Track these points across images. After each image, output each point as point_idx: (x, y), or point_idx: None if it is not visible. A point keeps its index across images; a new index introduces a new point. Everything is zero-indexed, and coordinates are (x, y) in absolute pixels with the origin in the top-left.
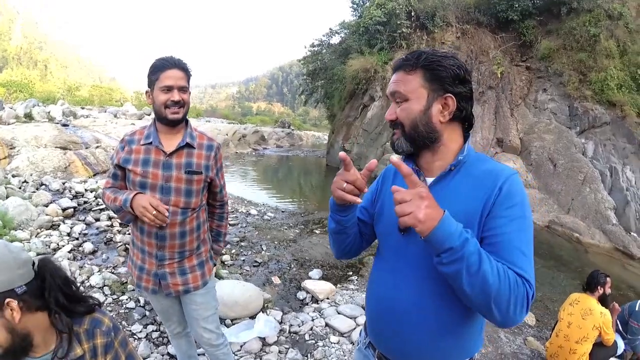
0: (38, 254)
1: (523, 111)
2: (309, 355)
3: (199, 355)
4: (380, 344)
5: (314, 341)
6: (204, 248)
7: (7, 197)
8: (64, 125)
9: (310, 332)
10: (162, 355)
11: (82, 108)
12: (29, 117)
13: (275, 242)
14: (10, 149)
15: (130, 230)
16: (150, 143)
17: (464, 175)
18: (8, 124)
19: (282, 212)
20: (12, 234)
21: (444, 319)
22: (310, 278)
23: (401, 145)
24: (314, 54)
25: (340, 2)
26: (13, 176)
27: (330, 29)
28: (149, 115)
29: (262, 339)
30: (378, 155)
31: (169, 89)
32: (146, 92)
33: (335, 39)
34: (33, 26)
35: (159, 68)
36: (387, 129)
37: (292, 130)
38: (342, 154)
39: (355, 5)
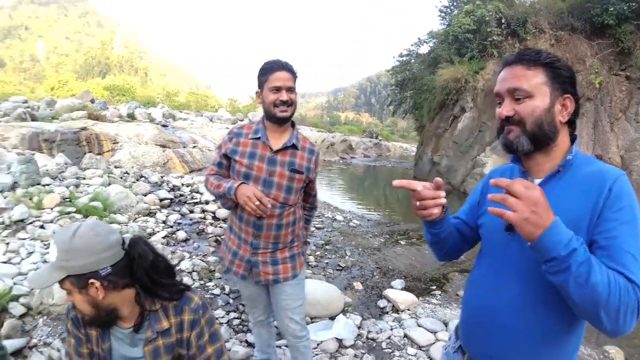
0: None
1: (624, 126)
2: None
3: (276, 347)
4: (472, 347)
5: (390, 350)
6: (297, 243)
7: (109, 185)
8: (164, 126)
9: (388, 340)
10: (241, 342)
11: (180, 112)
12: (131, 117)
13: (360, 249)
14: (114, 143)
15: (228, 218)
16: (258, 138)
17: (571, 176)
18: (112, 122)
19: (368, 220)
20: (111, 217)
21: (545, 325)
22: (392, 287)
23: (522, 143)
24: (403, 64)
25: (429, 12)
26: (115, 167)
27: (418, 38)
28: (242, 120)
29: (339, 341)
30: (468, 169)
31: (277, 89)
32: (256, 92)
33: (424, 49)
34: (134, 37)
35: (268, 70)
36: (478, 141)
37: (380, 140)
38: (437, 179)
39: (443, 14)
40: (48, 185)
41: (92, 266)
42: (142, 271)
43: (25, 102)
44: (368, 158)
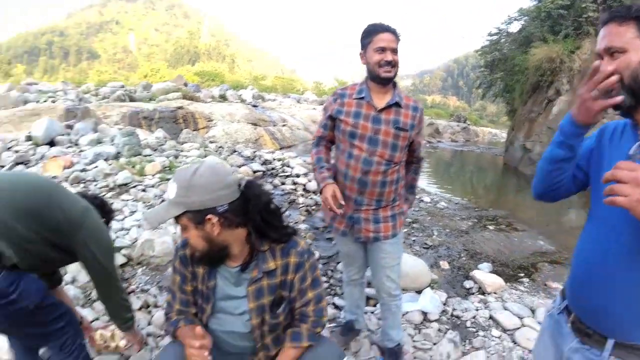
0: None
1: None
2: (467, 341)
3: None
4: (579, 304)
5: (474, 330)
6: (399, 202)
7: (205, 157)
8: (254, 106)
9: (473, 320)
10: (328, 304)
11: (268, 94)
12: (223, 98)
13: (447, 230)
14: (208, 121)
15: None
16: (362, 98)
17: None
18: (205, 102)
19: (455, 203)
20: None
21: None
22: (479, 270)
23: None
24: (492, 44)
25: None
26: (210, 142)
27: (508, 16)
28: None
29: (424, 314)
30: None
31: (382, 50)
32: (360, 53)
33: (514, 27)
34: (220, 26)
35: (372, 32)
36: None
37: (468, 125)
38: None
39: None
40: (149, 155)
41: (211, 203)
42: (256, 211)
43: (122, 86)
44: (455, 143)
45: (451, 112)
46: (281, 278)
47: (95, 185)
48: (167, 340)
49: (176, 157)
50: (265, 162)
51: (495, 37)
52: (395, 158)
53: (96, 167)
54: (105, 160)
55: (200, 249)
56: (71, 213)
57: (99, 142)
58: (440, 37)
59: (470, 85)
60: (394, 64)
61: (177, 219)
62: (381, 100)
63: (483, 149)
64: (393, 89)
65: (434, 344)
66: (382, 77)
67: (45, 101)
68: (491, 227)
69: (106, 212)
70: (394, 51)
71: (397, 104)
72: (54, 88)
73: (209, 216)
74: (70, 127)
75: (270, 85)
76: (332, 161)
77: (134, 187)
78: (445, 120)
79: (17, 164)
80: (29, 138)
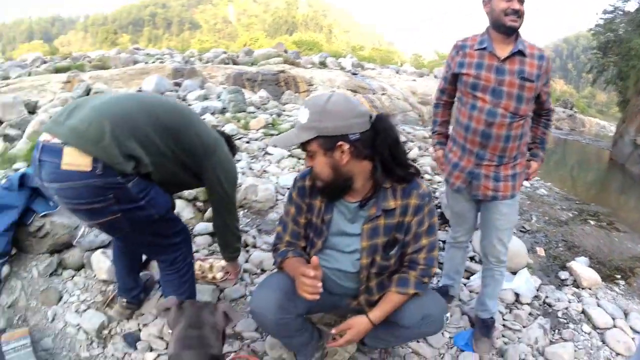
0: None
1: None
2: (556, 331)
3: None
4: None
5: (565, 321)
6: (520, 161)
7: None
8: (354, 74)
9: (565, 311)
10: None
11: (367, 63)
12: (323, 64)
13: (546, 217)
14: (309, 85)
15: (452, 131)
16: (484, 48)
17: None
18: (306, 68)
19: (556, 192)
20: None
21: None
22: (576, 262)
23: None
24: (607, 23)
25: None
26: None
27: None
28: (427, 75)
29: (517, 295)
30: None
31: None
32: (483, 1)
33: (632, 5)
34: None
35: None
36: None
37: (575, 112)
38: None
39: None
40: (252, 113)
41: (343, 129)
42: (385, 145)
43: (225, 52)
44: (560, 130)
45: (557, 97)
46: (399, 219)
47: None
48: (262, 278)
49: (279, 115)
50: None
51: (610, 15)
52: (520, 110)
53: (204, 119)
54: (212, 114)
55: (325, 178)
56: (206, 139)
57: (205, 98)
58: (550, 13)
59: (579, 69)
60: (520, 14)
61: (306, 145)
62: (504, 49)
63: (589, 140)
64: (516, 39)
65: (524, 326)
66: (507, 26)
67: (153, 62)
68: (592, 222)
69: (231, 147)
70: (521, 0)
71: (521, 53)
72: (160, 52)
73: (340, 143)
74: (178, 84)
75: (367, 56)
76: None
77: (239, 139)
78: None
79: None
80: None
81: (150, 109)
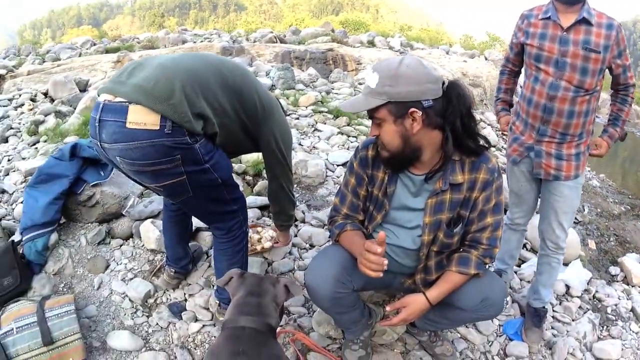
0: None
1: None
2: (605, 327)
3: None
4: None
5: (614, 318)
6: (585, 140)
7: (353, 96)
8: (402, 53)
9: (614, 307)
10: None
11: (416, 43)
12: (371, 43)
13: (598, 209)
14: (357, 64)
15: (515, 105)
16: (549, 18)
17: None
18: (354, 47)
19: (608, 185)
20: (359, 121)
21: None
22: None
23: None
24: None
25: None
26: (359, 84)
27: None
28: (478, 57)
29: (567, 287)
30: None
31: None
32: None
33: None
34: None
35: None
36: None
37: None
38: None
39: None
40: (301, 90)
41: (416, 95)
42: (457, 114)
43: (271, 32)
44: None
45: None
46: (465, 194)
47: None
48: (311, 253)
49: (328, 93)
50: None
51: None
52: (585, 84)
53: None
54: None
55: (394, 148)
56: (265, 100)
57: (254, 75)
58: None
59: (637, 57)
60: None
61: (374, 111)
62: (568, 18)
63: None
64: (583, 5)
65: (573, 320)
66: None
67: (201, 42)
68: None
69: (282, 112)
70: None
71: (586, 22)
72: (208, 32)
73: (412, 109)
74: None
75: (415, 37)
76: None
77: (288, 115)
78: (605, 93)
79: None
80: None
81: (216, 68)
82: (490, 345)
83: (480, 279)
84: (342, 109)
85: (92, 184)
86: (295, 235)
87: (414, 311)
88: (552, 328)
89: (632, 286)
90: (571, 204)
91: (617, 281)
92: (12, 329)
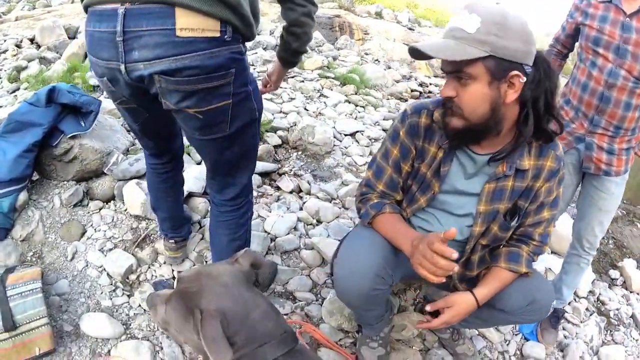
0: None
1: None
2: (608, 332)
3: None
4: None
5: (616, 323)
6: (637, 135)
7: (360, 65)
8: (410, 29)
9: (617, 312)
10: None
11: (424, 20)
12: (379, 15)
13: None
14: (365, 34)
15: (565, 90)
16: (610, 1)
17: None
18: (362, 17)
19: None
20: (367, 91)
21: None
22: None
23: None
24: None
25: None
26: (365, 54)
27: None
28: None
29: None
30: None
31: None
32: None
33: None
34: None
35: None
36: None
37: None
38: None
39: None
40: (306, 53)
41: (522, 56)
42: (542, 90)
43: None
44: None
45: None
46: (529, 183)
47: (254, 69)
48: (318, 229)
49: (334, 59)
50: (421, 84)
51: None
52: None
53: (255, 53)
54: (264, 48)
55: (476, 116)
56: None
57: (257, 33)
58: None
59: None
60: None
61: (466, 65)
62: (632, 3)
63: None
64: None
65: (581, 321)
66: None
67: None
68: (639, 225)
69: None
70: None
71: None
72: None
73: (514, 73)
74: None
75: (421, 15)
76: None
77: (293, 77)
78: None
79: None
80: None
81: None
82: (507, 345)
83: (529, 279)
84: (422, 49)
85: (69, 135)
86: (301, 209)
87: (460, 313)
88: (563, 329)
89: (631, 292)
90: (616, 202)
91: (617, 285)
92: None
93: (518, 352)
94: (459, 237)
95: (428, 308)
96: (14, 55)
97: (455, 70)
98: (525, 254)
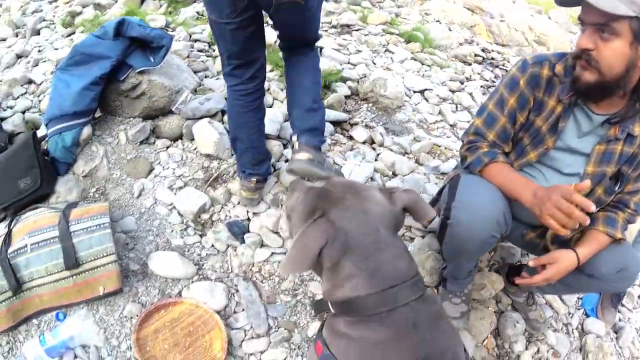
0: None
1: None
2: None
3: None
4: None
5: None
6: None
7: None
8: None
9: None
10: None
11: None
12: None
13: None
14: None
15: None
16: None
17: None
18: None
19: None
20: (431, 50)
21: None
22: None
23: None
24: None
25: None
26: (426, 14)
27: None
28: (540, 14)
29: None
30: None
31: None
32: None
33: None
34: None
35: None
36: None
37: None
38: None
39: None
40: (368, 8)
41: None
42: None
43: None
44: None
45: None
46: (635, 150)
47: None
48: (394, 182)
49: (397, 15)
50: (484, 50)
51: None
52: None
53: None
54: (326, 0)
55: (611, 73)
56: None
57: None
58: None
59: None
60: None
61: (612, 19)
62: None
63: None
64: None
65: (633, 307)
66: None
67: None
68: None
69: None
70: None
71: None
72: None
73: None
74: None
75: None
76: None
77: (358, 30)
78: None
79: None
80: None
81: None
82: (570, 317)
83: (620, 246)
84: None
85: (138, 70)
86: (376, 160)
87: (561, 270)
88: (618, 312)
89: None
90: None
91: None
92: (26, 246)
93: (580, 327)
94: None
95: (531, 263)
96: (66, 3)
97: (600, 23)
98: (621, 220)
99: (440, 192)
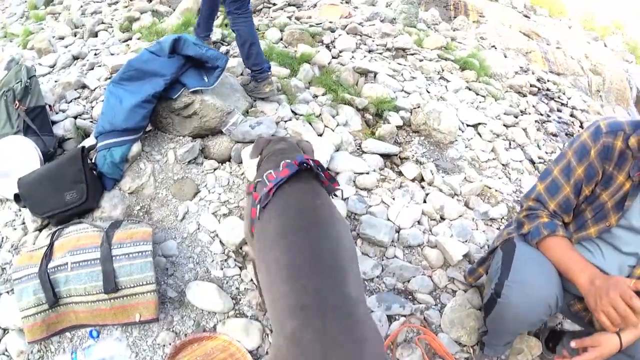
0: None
1: None
2: None
3: None
4: None
5: None
6: None
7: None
8: (525, 16)
9: None
10: None
11: (540, 8)
12: None
13: None
14: (480, 16)
15: None
16: None
17: None
18: None
19: None
20: (486, 79)
21: None
22: None
23: None
24: None
25: None
26: (482, 38)
27: None
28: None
29: None
30: None
31: None
32: None
33: None
34: None
35: None
36: None
37: None
38: None
39: None
40: (423, 30)
41: None
42: None
43: None
44: None
45: None
46: None
47: (372, 41)
48: (441, 227)
49: (453, 39)
50: (539, 80)
51: None
52: None
53: (373, 24)
54: (382, 21)
55: None
56: None
57: (372, 4)
58: None
59: None
60: None
61: None
62: None
63: None
64: None
65: None
66: None
67: None
68: None
69: None
70: None
71: None
72: None
73: None
74: None
75: (536, 1)
76: None
77: (412, 54)
78: None
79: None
80: None
81: None
82: None
83: None
84: None
85: (192, 89)
86: (424, 201)
87: (604, 354)
88: None
89: None
90: None
91: None
92: (67, 264)
93: None
94: (616, 274)
95: (573, 344)
96: (126, 7)
97: None
98: None
99: (491, 252)
